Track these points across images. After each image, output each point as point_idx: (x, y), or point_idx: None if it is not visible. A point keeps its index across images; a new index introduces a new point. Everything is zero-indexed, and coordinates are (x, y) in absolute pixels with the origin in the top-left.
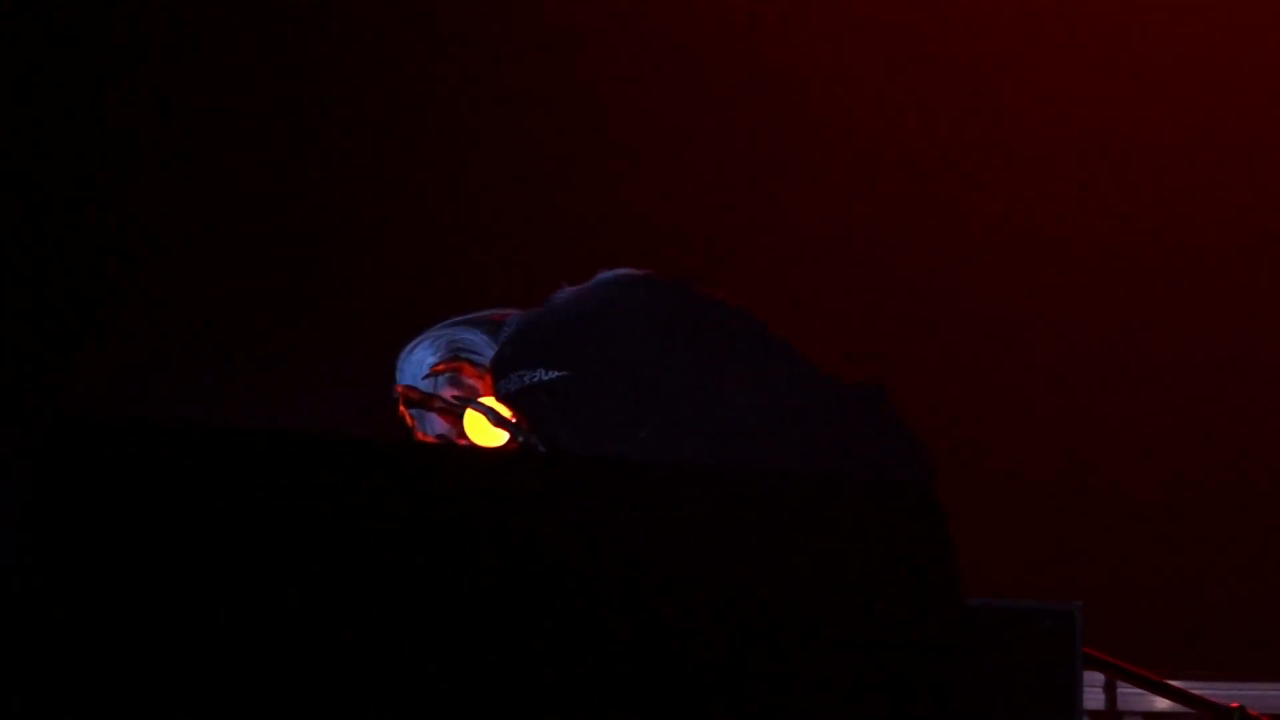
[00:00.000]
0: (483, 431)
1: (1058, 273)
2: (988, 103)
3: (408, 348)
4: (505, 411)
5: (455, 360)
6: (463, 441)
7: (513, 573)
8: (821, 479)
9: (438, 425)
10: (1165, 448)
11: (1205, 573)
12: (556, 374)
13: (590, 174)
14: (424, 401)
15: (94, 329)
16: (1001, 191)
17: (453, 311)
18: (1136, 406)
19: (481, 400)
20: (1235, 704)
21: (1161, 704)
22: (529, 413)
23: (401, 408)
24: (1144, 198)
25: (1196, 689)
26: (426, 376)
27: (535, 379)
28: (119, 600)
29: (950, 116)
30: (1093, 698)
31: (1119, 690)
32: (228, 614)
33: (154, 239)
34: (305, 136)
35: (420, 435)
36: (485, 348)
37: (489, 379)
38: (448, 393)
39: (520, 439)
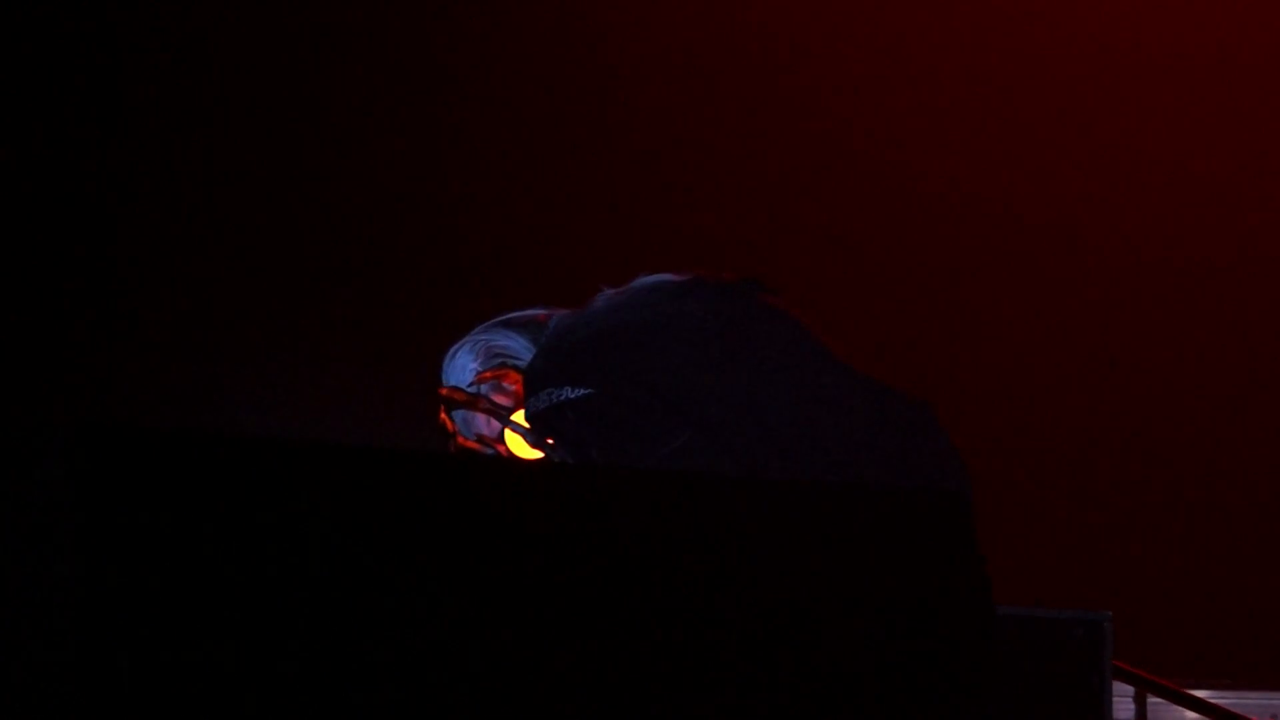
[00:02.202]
0: (523, 441)
1: (1087, 284)
2: (1005, 105)
3: (450, 352)
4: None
5: (500, 368)
6: (502, 449)
7: (543, 585)
8: (852, 488)
9: (481, 428)
10: (1197, 457)
11: (1239, 582)
12: (583, 392)
13: (613, 172)
14: (470, 403)
15: (126, 334)
16: (1042, 200)
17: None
18: (1173, 418)
19: (515, 418)
20: None
21: (1192, 715)
22: (558, 430)
23: (443, 413)
24: (1177, 199)
25: (1229, 699)
26: (472, 384)
27: (561, 397)
28: (160, 605)
29: (963, 117)
30: (1123, 707)
31: (1149, 700)
32: (265, 619)
33: (179, 244)
34: (326, 137)
35: (461, 440)
36: (525, 352)
37: None
38: (493, 398)
39: (556, 458)
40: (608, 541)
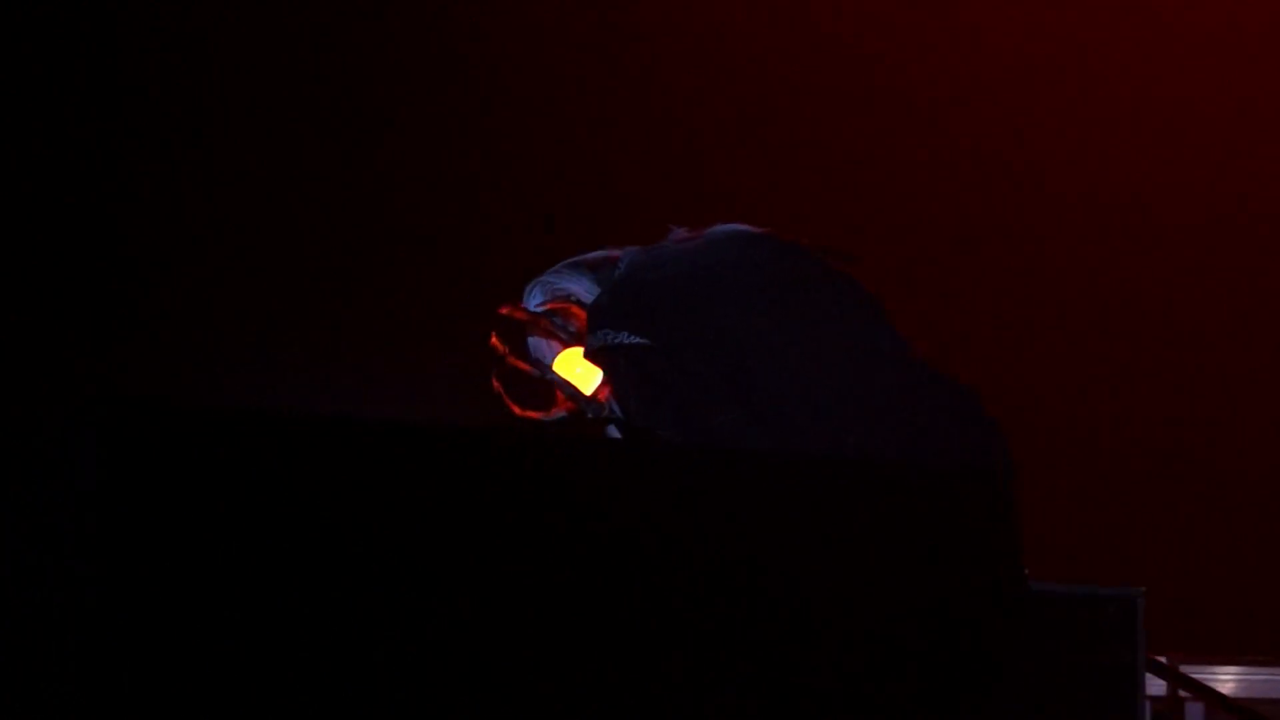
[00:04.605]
0: (573, 369)
1: (1113, 262)
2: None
3: (525, 293)
4: (582, 377)
5: (564, 302)
6: (550, 378)
7: (586, 557)
8: (892, 466)
9: (541, 349)
10: (1224, 429)
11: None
12: (639, 340)
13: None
14: (530, 322)
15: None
16: (1103, 162)
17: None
18: (1201, 390)
19: (557, 369)
20: None
21: (1225, 689)
22: (607, 371)
23: (494, 336)
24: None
25: (1263, 676)
26: (536, 309)
27: (618, 340)
28: (183, 582)
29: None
30: (1155, 683)
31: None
32: (291, 596)
33: (183, 234)
34: (339, 117)
35: (513, 360)
36: (590, 296)
37: None
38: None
39: (590, 414)
40: (633, 518)
